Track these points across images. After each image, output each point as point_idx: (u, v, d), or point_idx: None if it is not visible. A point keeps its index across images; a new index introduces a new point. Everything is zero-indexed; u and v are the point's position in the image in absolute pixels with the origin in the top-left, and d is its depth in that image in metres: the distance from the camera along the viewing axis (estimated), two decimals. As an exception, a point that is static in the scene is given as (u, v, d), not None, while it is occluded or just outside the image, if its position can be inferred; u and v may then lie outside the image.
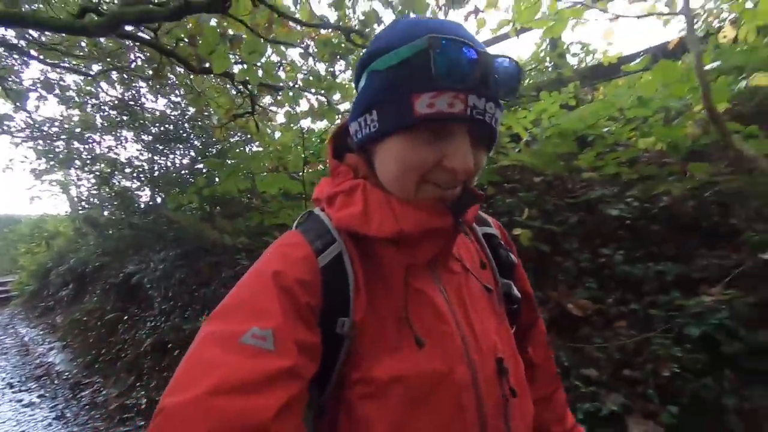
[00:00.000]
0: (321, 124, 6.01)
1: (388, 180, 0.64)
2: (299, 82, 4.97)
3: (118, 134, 7.46)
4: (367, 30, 4.04)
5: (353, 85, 0.66)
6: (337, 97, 4.75)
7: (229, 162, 5.08)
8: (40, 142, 7.71)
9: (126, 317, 6.11)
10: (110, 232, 7.95)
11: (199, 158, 6.65)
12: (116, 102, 7.20)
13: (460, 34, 0.58)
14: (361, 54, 0.61)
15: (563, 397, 0.90)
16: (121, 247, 7.34)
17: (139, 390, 4.42)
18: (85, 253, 8.81)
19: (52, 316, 8.76)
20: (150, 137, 6.99)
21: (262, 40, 3.94)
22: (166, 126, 6.91)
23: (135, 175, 7.21)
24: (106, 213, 8.10)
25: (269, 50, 4.44)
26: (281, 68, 5.08)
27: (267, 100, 6.39)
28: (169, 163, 7.14)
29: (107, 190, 7.47)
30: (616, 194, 2.76)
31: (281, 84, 4.89)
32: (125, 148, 10.21)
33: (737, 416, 1.72)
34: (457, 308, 0.65)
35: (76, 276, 8.81)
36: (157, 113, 7.27)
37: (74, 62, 6.29)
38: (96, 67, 6.38)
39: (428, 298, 0.63)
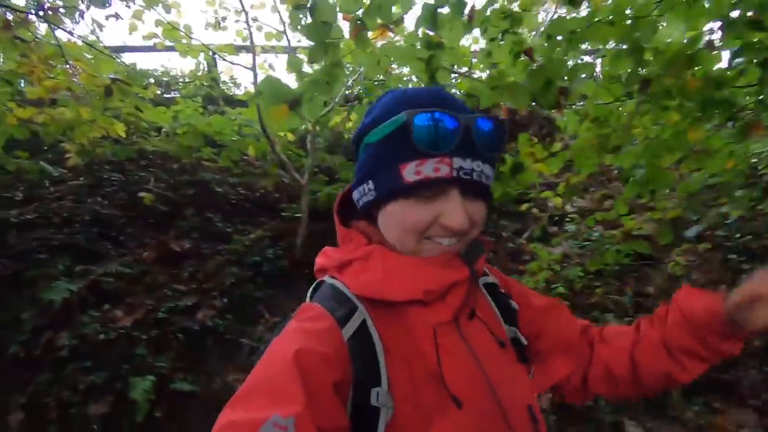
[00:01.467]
0: None
1: (393, 241, 0.66)
2: None
3: None
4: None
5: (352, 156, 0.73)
6: None
7: None
8: None
9: None
10: None
11: None
12: None
13: (438, 103, 0.61)
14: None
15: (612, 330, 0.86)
16: None
17: None
18: None
19: None
20: None
21: None
22: None
23: None
24: None
25: None
26: None
27: None
28: None
29: None
30: (223, 179, 4.03)
31: None
32: None
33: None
34: (483, 362, 0.64)
35: None
36: None
37: None
38: None
39: (458, 356, 0.63)
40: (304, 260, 3.69)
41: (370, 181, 0.64)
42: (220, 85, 6.28)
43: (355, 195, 0.69)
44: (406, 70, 3.93)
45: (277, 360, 0.53)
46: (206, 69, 6.50)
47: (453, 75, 2.11)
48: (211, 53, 4.61)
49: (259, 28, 11.29)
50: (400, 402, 0.57)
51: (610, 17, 1.65)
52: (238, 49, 4.43)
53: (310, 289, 0.71)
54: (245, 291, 3.22)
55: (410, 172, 0.59)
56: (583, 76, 1.84)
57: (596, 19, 1.63)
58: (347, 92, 4.12)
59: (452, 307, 0.64)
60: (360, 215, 0.71)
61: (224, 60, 4.57)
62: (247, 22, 3.95)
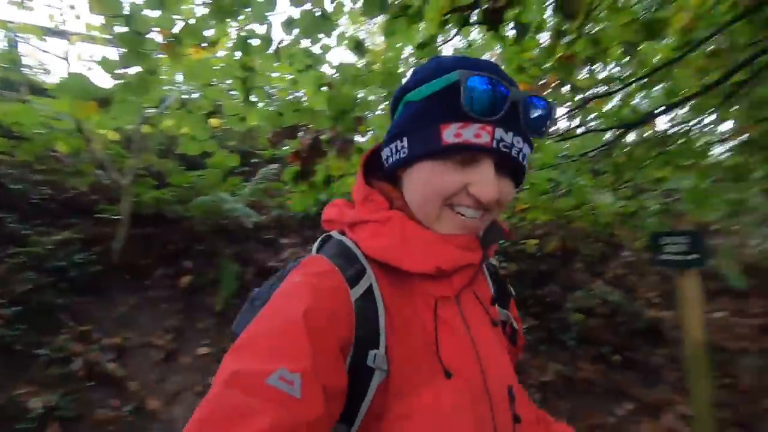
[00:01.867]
0: None
1: (414, 204, 0.65)
2: None
3: None
4: None
5: (390, 114, 0.72)
6: None
7: None
8: None
9: None
10: None
11: None
12: None
13: (494, 72, 0.61)
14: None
15: None
16: None
17: None
18: None
19: None
20: None
21: None
22: None
23: None
24: None
25: None
26: None
27: None
28: None
29: None
30: (23, 175, 3.56)
31: None
32: None
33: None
34: (477, 339, 0.65)
35: None
36: None
37: None
38: None
39: (453, 330, 0.63)
40: (124, 265, 3.50)
41: (405, 139, 0.63)
42: (22, 69, 5.42)
43: (385, 153, 0.69)
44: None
45: (286, 314, 0.53)
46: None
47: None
48: (12, 34, 4.04)
49: (78, 17, 9.93)
50: (394, 366, 0.58)
51: (388, 66, 2.21)
52: (53, 34, 3.99)
53: (318, 240, 0.72)
54: (44, 298, 2.93)
55: (450, 134, 0.58)
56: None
57: (374, 67, 2.16)
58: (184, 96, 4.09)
59: (457, 284, 0.65)
60: (383, 176, 0.71)
61: (29, 43, 4.05)
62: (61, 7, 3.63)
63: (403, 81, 0.70)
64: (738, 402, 3.21)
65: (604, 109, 2.95)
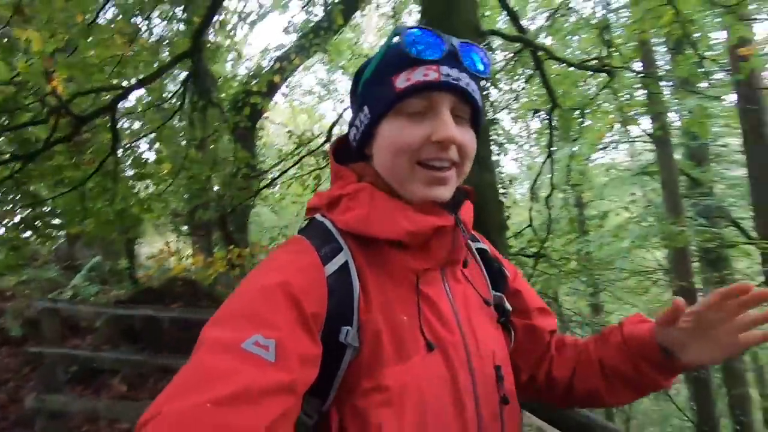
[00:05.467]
0: None
1: (385, 169, 0.67)
2: None
3: None
4: None
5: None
6: None
7: None
8: None
9: None
10: None
11: None
12: None
13: (425, 27, 0.65)
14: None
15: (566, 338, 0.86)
16: None
17: None
18: None
19: None
20: None
21: None
22: None
23: None
24: None
25: None
26: None
27: None
28: None
29: None
30: None
31: None
32: None
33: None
34: (461, 316, 0.66)
35: None
36: None
37: None
38: None
39: (437, 305, 0.64)
40: None
41: (365, 107, 0.67)
42: None
43: (351, 133, 0.72)
44: None
45: (261, 286, 0.56)
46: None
47: None
48: None
49: None
50: (367, 343, 0.59)
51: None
52: None
53: (301, 225, 0.74)
54: None
55: (402, 81, 0.62)
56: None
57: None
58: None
59: (437, 255, 0.66)
60: (355, 157, 0.72)
61: None
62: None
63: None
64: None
65: None
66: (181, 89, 3.91)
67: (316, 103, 11.43)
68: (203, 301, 4.46)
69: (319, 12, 5.60)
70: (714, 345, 0.64)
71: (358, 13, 6.74)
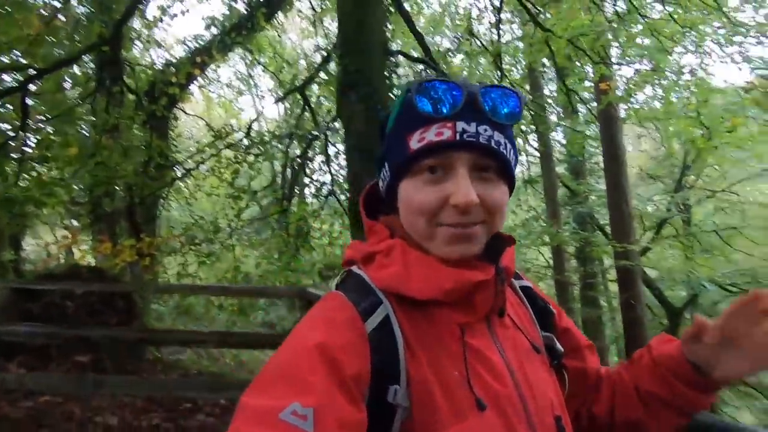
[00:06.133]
0: None
1: (408, 228, 0.64)
2: None
3: None
4: None
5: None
6: None
7: None
8: None
9: None
10: None
11: None
12: None
13: (439, 77, 0.62)
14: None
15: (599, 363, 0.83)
16: None
17: None
18: None
19: None
20: None
21: None
22: None
23: None
24: None
25: None
26: None
27: None
28: None
29: None
30: None
31: None
32: None
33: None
34: (514, 366, 0.62)
35: None
36: None
37: None
38: None
39: (486, 358, 0.61)
40: None
41: (386, 164, 0.66)
42: None
43: (380, 184, 0.70)
44: None
45: (300, 349, 0.54)
46: None
47: None
48: None
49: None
50: (418, 402, 0.56)
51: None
52: None
53: (338, 277, 0.70)
54: None
55: (415, 141, 0.59)
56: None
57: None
58: None
59: (481, 308, 0.62)
60: (387, 209, 0.70)
61: None
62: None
63: None
64: None
65: None
66: (97, 74, 3.86)
67: (235, 98, 11.27)
68: (111, 289, 4.39)
69: (241, 6, 5.76)
70: (744, 357, 0.61)
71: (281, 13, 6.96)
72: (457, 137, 0.58)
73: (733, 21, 6.18)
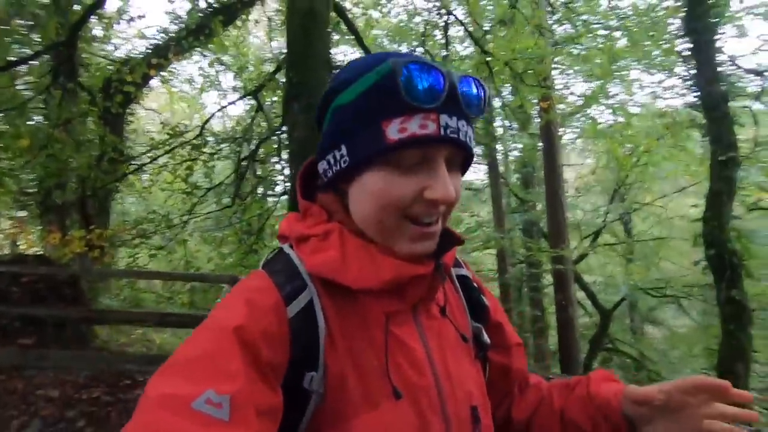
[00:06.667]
0: None
1: (365, 220, 0.60)
2: None
3: None
4: None
5: (316, 126, 0.67)
6: None
7: None
8: None
9: None
10: None
11: None
12: None
13: (422, 59, 0.56)
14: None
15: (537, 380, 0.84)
16: None
17: None
18: None
19: None
20: None
21: None
22: None
23: None
24: None
25: None
26: None
27: None
28: None
29: None
30: None
31: None
32: None
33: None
34: (436, 356, 0.62)
35: None
36: None
37: None
38: None
39: (408, 347, 0.60)
40: None
41: (342, 146, 0.59)
42: None
43: (321, 166, 0.64)
44: None
45: (217, 332, 0.52)
46: None
47: None
48: None
49: None
50: (332, 389, 0.55)
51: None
52: None
53: (269, 253, 0.68)
54: None
55: (394, 130, 0.54)
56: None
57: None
58: None
59: (411, 298, 0.62)
60: (326, 189, 0.66)
61: None
62: None
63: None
64: None
65: None
66: (52, 72, 4.02)
67: (198, 93, 11.27)
68: (57, 277, 4.52)
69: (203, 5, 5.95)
70: (677, 427, 0.61)
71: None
72: (442, 132, 0.55)
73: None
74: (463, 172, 0.65)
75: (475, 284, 0.77)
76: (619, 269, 11.30)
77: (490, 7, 8.14)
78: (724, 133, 3.87)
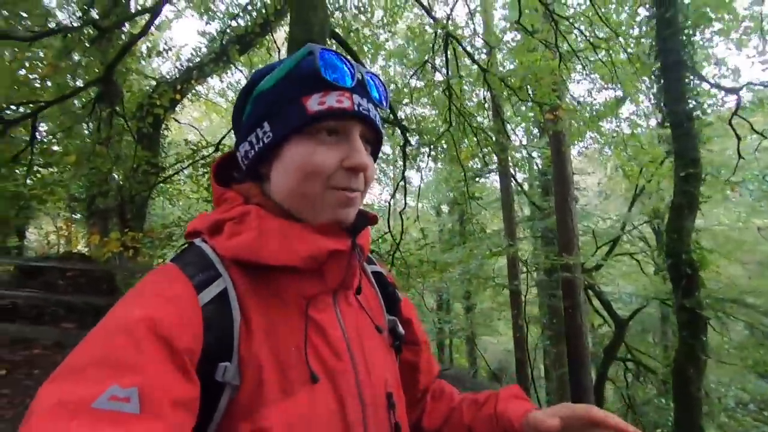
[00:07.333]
0: None
1: (290, 194, 0.61)
2: None
3: None
4: None
5: (233, 123, 0.68)
6: None
7: None
8: None
9: None
10: None
11: None
12: None
13: (337, 51, 0.62)
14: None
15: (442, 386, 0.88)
16: None
17: None
18: None
19: None
20: None
21: None
22: None
23: None
24: None
25: None
26: None
27: None
28: None
29: None
30: None
31: None
32: None
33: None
34: (354, 342, 0.63)
35: None
36: None
37: None
38: None
39: (327, 332, 0.61)
40: None
41: (265, 124, 0.61)
42: None
43: (242, 150, 0.65)
44: None
45: (119, 325, 0.48)
46: None
47: None
48: None
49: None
50: (247, 379, 0.54)
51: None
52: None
53: (175, 251, 0.87)
54: None
55: (314, 103, 0.59)
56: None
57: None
58: None
59: (330, 280, 0.63)
60: (243, 178, 0.67)
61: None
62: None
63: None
64: None
65: None
66: (92, 102, 4.85)
67: (229, 107, 12.11)
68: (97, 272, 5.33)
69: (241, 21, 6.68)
70: None
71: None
72: (355, 108, 0.60)
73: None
74: (375, 157, 0.69)
75: (388, 280, 0.81)
76: (644, 279, 11.19)
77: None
78: (688, 149, 4.05)
